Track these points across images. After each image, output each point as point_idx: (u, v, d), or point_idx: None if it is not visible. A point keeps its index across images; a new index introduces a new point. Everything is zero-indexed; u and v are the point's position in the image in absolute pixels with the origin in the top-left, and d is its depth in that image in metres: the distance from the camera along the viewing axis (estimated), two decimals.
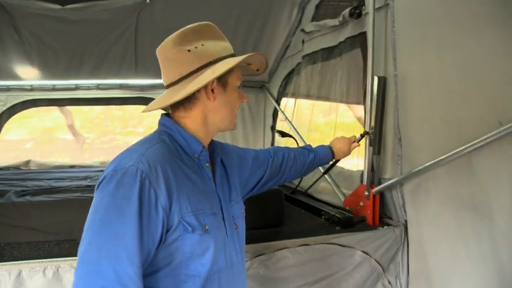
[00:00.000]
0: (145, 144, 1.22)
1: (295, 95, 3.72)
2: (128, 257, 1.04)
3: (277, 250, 2.01)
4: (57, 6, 2.88)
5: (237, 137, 4.56)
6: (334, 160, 2.16)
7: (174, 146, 1.27)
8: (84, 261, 1.04)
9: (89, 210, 2.31)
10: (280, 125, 4.13)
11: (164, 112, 1.39)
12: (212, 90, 1.27)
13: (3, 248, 2.02)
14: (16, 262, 1.82)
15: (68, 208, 2.19)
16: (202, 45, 1.26)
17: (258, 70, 1.46)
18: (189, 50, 1.25)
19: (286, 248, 2.04)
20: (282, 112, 3.96)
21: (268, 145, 4.45)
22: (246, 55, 1.27)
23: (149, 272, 1.16)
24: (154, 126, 1.38)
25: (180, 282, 1.18)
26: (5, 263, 1.82)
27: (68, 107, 10.31)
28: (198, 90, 1.25)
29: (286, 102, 3.99)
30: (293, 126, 3.65)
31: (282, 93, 4.06)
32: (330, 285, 2.09)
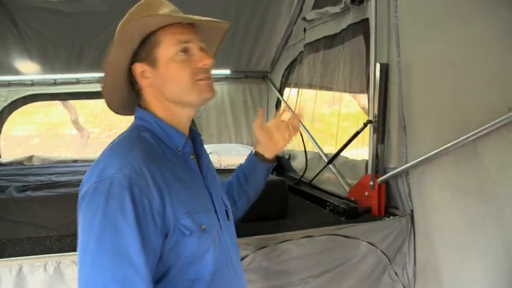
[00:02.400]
0: (126, 146, 1.10)
1: (297, 85, 3.68)
2: (136, 271, 0.94)
3: (281, 242, 1.98)
4: None
5: (240, 128, 4.54)
6: (270, 158, 1.53)
7: (156, 142, 1.15)
8: None
9: None
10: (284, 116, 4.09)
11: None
12: (143, 74, 1.17)
13: (4, 244, 2.01)
14: (16, 258, 1.80)
15: (68, 203, 2.16)
16: None
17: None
18: None
19: (290, 240, 2.00)
20: (285, 102, 3.91)
21: None
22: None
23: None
24: None
25: None
26: (5, 259, 1.80)
27: (72, 102, 10.34)
28: (135, 80, 1.18)
29: (289, 92, 3.95)
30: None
31: (285, 83, 4.02)
32: (335, 276, 2.06)
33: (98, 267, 0.93)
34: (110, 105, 1.26)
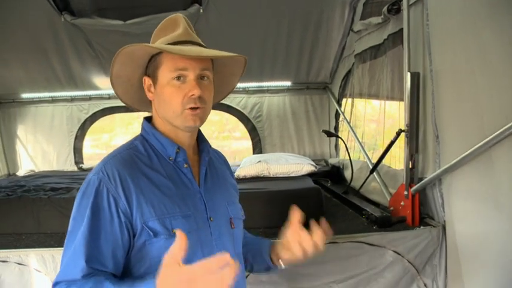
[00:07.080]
0: (113, 153, 1.25)
1: (351, 95, 3.70)
2: (76, 253, 1.10)
3: None
4: (120, 22, 3.19)
5: (302, 139, 4.60)
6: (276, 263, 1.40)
7: (145, 151, 1.27)
8: (61, 261, 1.15)
9: None
10: (342, 125, 4.12)
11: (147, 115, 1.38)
12: (150, 88, 1.27)
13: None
14: None
15: None
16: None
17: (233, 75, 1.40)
18: None
19: None
20: (341, 112, 3.94)
21: (332, 146, 4.43)
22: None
23: (124, 277, 1.19)
24: None
25: None
26: None
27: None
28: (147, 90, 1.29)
29: (346, 102, 3.97)
30: (350, 126, 3.62)
31: (342, 94, 4.05)
32: (359, 283, 2.08)
33: (65, 247, 1.14)
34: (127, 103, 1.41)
